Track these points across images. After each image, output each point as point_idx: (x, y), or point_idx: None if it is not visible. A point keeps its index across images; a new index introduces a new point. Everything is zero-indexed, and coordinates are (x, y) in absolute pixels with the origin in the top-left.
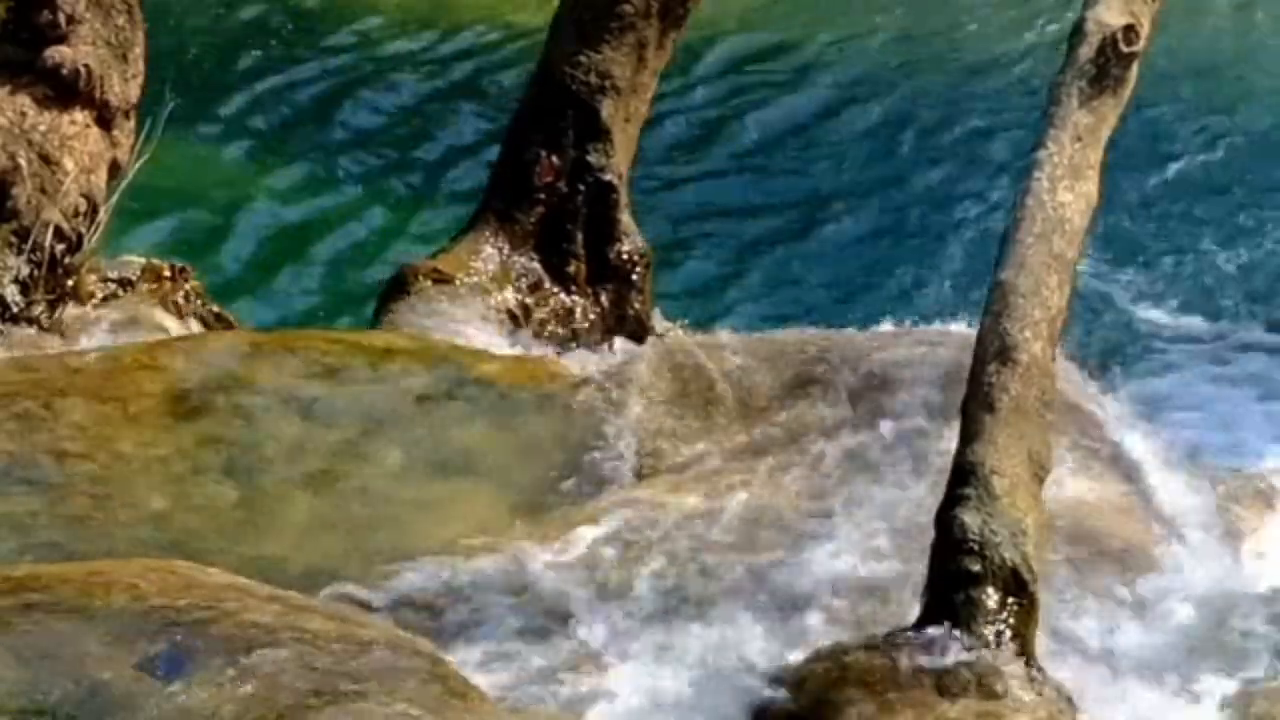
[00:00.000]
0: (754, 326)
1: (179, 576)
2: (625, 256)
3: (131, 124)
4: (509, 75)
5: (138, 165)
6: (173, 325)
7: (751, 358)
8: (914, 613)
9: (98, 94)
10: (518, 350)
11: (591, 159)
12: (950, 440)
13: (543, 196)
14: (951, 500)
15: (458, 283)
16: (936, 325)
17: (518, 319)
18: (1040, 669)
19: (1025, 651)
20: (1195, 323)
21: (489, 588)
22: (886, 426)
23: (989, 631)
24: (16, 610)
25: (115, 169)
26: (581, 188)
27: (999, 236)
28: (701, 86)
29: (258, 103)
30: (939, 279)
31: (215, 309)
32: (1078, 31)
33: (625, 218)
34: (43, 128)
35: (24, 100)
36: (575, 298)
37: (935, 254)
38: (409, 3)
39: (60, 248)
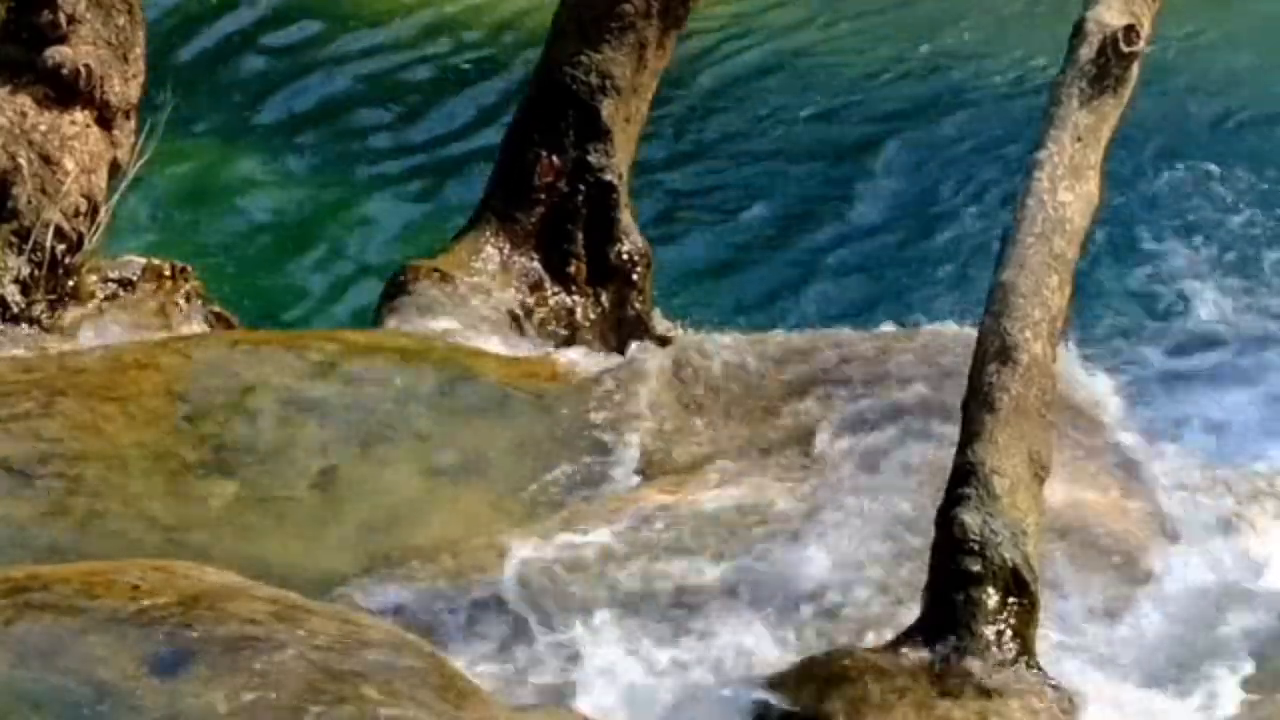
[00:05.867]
0: (755, 326)
1: (179, 576)
2: (625, 256)
3: (132, 124)
4: (509, 74)
5: (138, 165)
6: (173, 325)
7: (752, 358)
8: (914, 613)
9: (98, 94)
10: (518, 350)
11: (592, 159)
12: (951, 440)
13: (543, 196)
14: (952, 500)
15: (458, 282)
16: (936, 325)
17: (518, 319)
18: (1041, 669)
19: (1026, 651)
20: (1196, 321)
21: (489, 588)
22: (887, 426)
23: (989, 631)
24: (16, 610)
25: (115, 169)
26: (582, 188)
27: (1000, 237)
28: (701, 85)
29: (258, 102)
30: (939, 279)
31: (215, 309)
32: (1078, 31)
33: (625, 218)
34: (43, 128)
35: (24, 100)
36: (575, 297)
37: (936, 254)
38: (411, 1)
39: (61, 248)
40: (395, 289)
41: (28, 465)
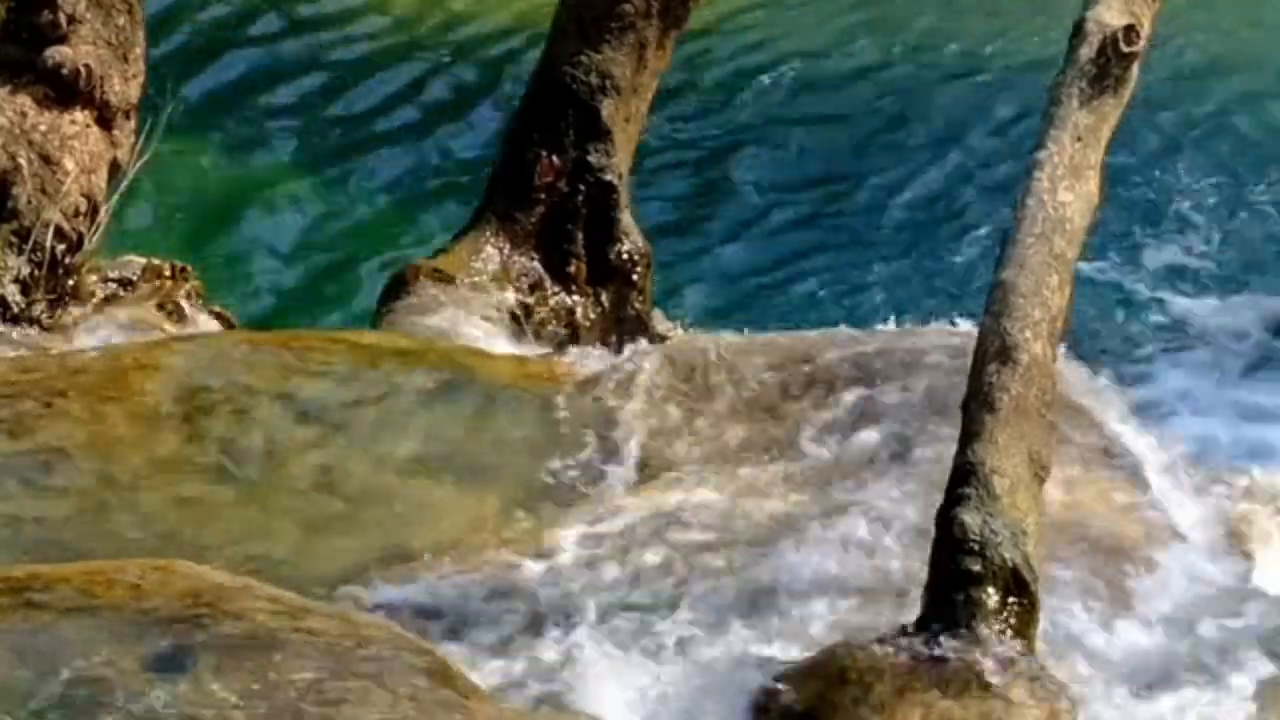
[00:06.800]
0: (754, 326)
1: (179, 576)
2: (625, 256)
3: (132, 124)
4: (510, 74)
5: (138, 165)
6: (173, 325)
7: (752, 358)
8: (914, 612)
9: (98, 94)
10: (518, 350)
11: (592, 159)
12: (950, 440)
13: (543, 196)
14: (952, 500)
15: (458, 282)
16: (936, 325)
17: (518, 319)
18: (1041, 668)
19: (1026, 651)
20: (1197, 321)
21: (489, 587)
22: (887, 426)
23: (990, 631)
24: (17, 610)
25: (115, 169)
26: (582, 188)
27: (1000, 236)
28: (700, 83)
29: (258, 102)
30: (940, 279)
31: (215, 309)
32: (1078, 31)
33: (625, 218)
34: (43, 128)
35: (24, 100)
36: (575, 297)
37: (936, 254)
38: (411, 1)
39: (61, 248)
40: (395, 289)
41: (28, 465)
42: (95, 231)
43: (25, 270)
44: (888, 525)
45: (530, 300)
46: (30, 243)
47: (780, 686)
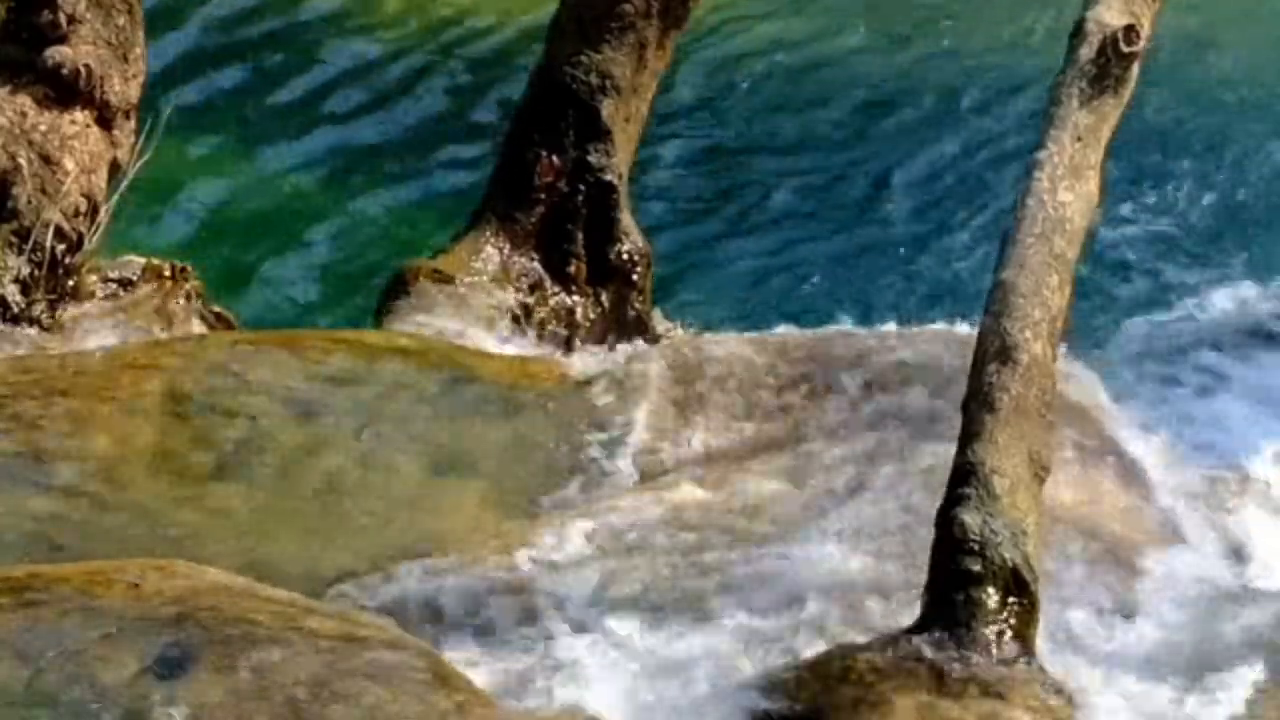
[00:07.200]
0: (755, 326)
1: (179, 576)
2: (625, 256)
3: (132, 124)
4: (509, 75)
5: (138, 165)
6: (173, 325)
7: (752, 358)
8: (914, 613)
9: (98, 94)
10: (518, 350)
11: (592, 159)
12: (951, 440)
13: (543, 196)
14: (952, 500)
15: (458, 283)
16: (936, 325)
17: (518, 319)
18: (1041, 669)
19: (1026, 651)
20: (1197, 321)
21: (488, 587)
22: (887, 426)
23: (989, 631)
24: (17, 610)
25: (115, 169)
26: (582, 188)
27: (1001, 236)
28: (699, 82)
29: (258, 102)
30: (940, 279)
31: (215, 309)
32: (1078, 31)
33: (625, 218)
34: (43, 128)
35: (24, 100)
36: (575, 298)
37: (936, 254)
38: (411, 1)
39: (61, 248)
40: (395, 289)
41: (28, 465)
42: (95, 231)
43: (25, 270)
44: (887, 525)
45: (530, 300)
46: (30, 243)
47: (780, 688)
